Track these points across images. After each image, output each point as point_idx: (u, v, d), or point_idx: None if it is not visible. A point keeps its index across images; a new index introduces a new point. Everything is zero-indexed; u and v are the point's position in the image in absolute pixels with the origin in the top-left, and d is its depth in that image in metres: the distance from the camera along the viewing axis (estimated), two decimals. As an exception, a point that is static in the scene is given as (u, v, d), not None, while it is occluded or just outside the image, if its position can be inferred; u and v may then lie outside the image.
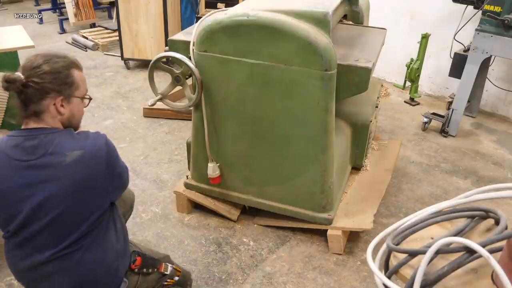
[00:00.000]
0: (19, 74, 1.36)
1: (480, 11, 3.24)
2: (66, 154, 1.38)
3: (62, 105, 1.43)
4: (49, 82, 1.38)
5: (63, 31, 6.17)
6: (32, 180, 1.37)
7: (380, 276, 1.05)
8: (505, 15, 3.06)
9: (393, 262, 1.09)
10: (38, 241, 1.43)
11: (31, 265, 1.47)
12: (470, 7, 3.53)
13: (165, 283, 1.78)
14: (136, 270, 1.65)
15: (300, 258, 2.28)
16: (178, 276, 1.82)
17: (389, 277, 1.05)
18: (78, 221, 1.43)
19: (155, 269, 1.73)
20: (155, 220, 2.56)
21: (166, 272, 1.77)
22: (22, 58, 2.54)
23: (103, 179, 1.45)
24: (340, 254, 2.30)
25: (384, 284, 1.03)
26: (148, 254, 1.74)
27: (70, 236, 1.42)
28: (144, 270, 1.69)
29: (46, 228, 1.41)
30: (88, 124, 3.56)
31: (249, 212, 2.55)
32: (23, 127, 1.44)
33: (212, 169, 2.33)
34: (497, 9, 3.08)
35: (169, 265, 1.80)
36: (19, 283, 1.61)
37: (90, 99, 1.58)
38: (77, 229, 1.42)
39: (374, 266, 1.09)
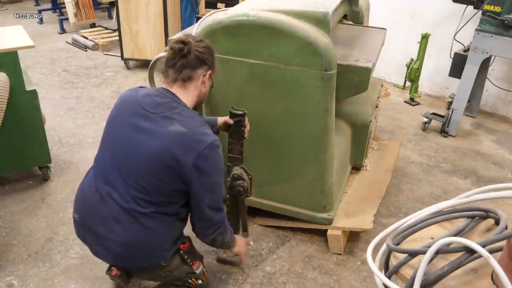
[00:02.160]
0: (190, 40, 1.58)
1: (480, 11, 3.24)
2: (175, 124, 1.53)
3: (208, 79, 1.67)
4: (208, 55, 1.64)
5: (63, 31, 6.17)
6: (138, 125, 1.55)
7: (380, 276, 1.05)
8: (505, 15, 3.06)
9: (393, 262, 1.09)
10: (116, 180, 1.57)
11: (99, 201, 1.60)
12: (470, 7, 3.53)
13: (190, 281, 1.81)
14: (181, 252, 1.73)
15: (300, 258, 2.27)
16: (202, 280, 1.84)
17: (389, 277, 1.05)
18: (152, 186, 1.54)
19: (190, 263, 1.78)
20: (155, 220, 2.55)
21: (196, 271, 1.80)
22: (22, 58, 2.54)
23: (188, 168, 1.52)
24: (340, 254, 2.30)
25: (384, 284, 1.03)
26: (193, 245, 1.83)
27: (141, 194, 1.54)
28: (185, 257, 1.75)
29: (130, 172, 1.55)
30: (88, 124, 3.56)
31: (249, 212, 2.54)
32: (164, 86, 1.64)
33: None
34: (497, 9, 3.08)
35: (201, 266, 1.84)
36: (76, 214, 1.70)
37: (213, 86, 1.82)
38: (149, 193, 1.55)
39: (374, 266, 1.09)
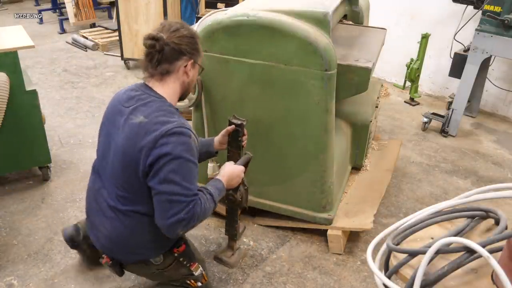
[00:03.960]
0: (162, 34, 1.51)
1: (480, 11, 3.24)
2: (138, 115, 1.51)
3: (190, 69, 1.60)
4: (186, 45, 1.55)
5: (63, 31, 6.17)
6: (116, 122, 1.57)
7: (380, 276, 1.05)
8: (505, 15, 3.06)
9: (393, 262, 1.09)
10: (104, 179, 1.63)
11: (93, 192, 1.69)
12: (470, 7, 3.53)
13: (188, 282, 1.81)
14: (176, 254, 1.73)
15: (300, 258, 2.27)
16: (202, 283, 1.85)
17: (389, 277, 1.05)
18: (127, 182, 1.54)
19: (188, 265, 1.78)
20: (155, 220, 2.55)
21: (195, 273, 1.80)
22: (22, 58, 2.54)
23: (147, 158, 1.47)
24: (340, 254, 2.30)
25: (384, 284, 1.04)
26: (192, 249, 1.81)
27: (121, 192, 1.56)
28: (181, 259, 1.75)
29: (110, 170, 1.59)
30: (88, 124, 3.56)
31: (249, 212, 2.54)
32: (143, 81, 1.62)
33: (212, 169, 2.34)
34: (497, 9, 3.08)
35: (201, 268, 1.83)
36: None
37: (203, 69, 1.73)
38: (127, 190, 1.55)
39: (374, 266, 1.09)
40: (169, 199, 1.47)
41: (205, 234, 2.43)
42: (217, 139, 1.95)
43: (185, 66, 1.59)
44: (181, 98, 1.70)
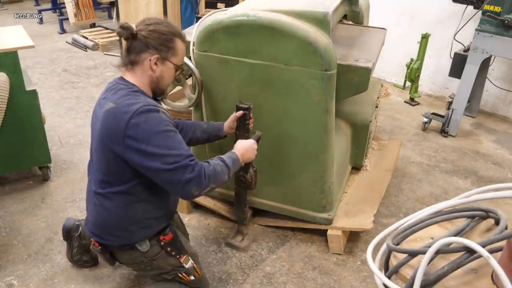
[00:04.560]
0: (133, 26, 1.62)
1: (480, 11, 3.24)
2: (108, 102, 1.59)
3: (156, 63, 1.63)
4: (153, 39, 1.61)
5: (63, 31, 6.17)
6: (96, 113, 1.68)
7: (380, 276, 1.05)
8: (505, 15, 3.06)
9: (393, 262, 1.09)
10: (91, 168, 1.75)
11: (88, 184, 1.79)
12: (470, 7, 3.53)
13: (180, 275, 1.82)
14: (162, 243, 1.75)
15: (300, 258, 2.27)
16: (195, 276, 1.85)
17: (389, 277, 1.05)
18: (105, 166, 1.64)
19: (177, 256, 1.79)
20: (155, 220, 2.55)
21: (184, 265, 1.81)
22: (22, 58, 2.54)
23: (120, 141, 1.54)
24: (340, 254, 2.30)
25: (384, 284, 1.04)
26: (181, 240, 1.83)
27: (101, 176, 1.66)
28: (169, 249, 1.77)
29: (94, 157, 1.70)
30: (88, 124, 3.54)
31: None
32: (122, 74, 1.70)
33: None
34: (497, 9, 3.08)
35: (191, 260, 1.84)
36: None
37: (182, 70, 1.83)
38: (105, 173, 1.65)
39: (374, 266, 1.09)
40: (166, 169, 1.53)
41: (205, 234, 2.43)
42: (226, 123, 2.06)
43: (150, 60, 1.62)
44: (156, 95, 1.73)
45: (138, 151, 1.52)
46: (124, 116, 1.52)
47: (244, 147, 1.86)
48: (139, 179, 1.63)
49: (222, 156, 1.75)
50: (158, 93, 1.74)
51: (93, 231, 1.75)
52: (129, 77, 1.66)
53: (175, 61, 1.69)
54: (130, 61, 1.64)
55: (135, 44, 1.61)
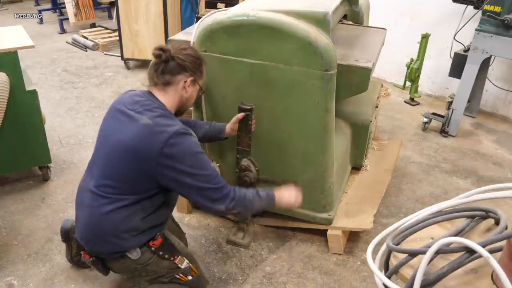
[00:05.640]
0: (169, 48, 1.71)
1: (480, 11, 3.24)
2: (144, 118, 1.62)
3: (189, 85, 1.75)
4: (189, 63, 1.73)
5: (63, 31, 6.17)
6: (118, 120, 1.68)
7: (380, 276, 1.05)
8: (505, 15, 3.06)
9: (393, 262, 1.09)
10: (93, 170, 1.74)
11: (81, 187, 1.78)
12: (470, 7, 3.53)
13: (177, 276, 1.82)
14: (153, 248, 1.75)
15: (300, 258, 2.28)
16: (192, 276, 1.85)
17: (389, 277, 1.05)
18: (118, 173, 1.65)
19: (171, 258, 1.78)
20: (155, 220, 2.55)
21: (180, 266, 1.81)
22: (22, 58, 2.54)
23: (153, 158, 1.58)
24: (340, 254, 2.30)
25: (384, 284, 1.03)
26: (172, 242, 1.82)
27: (106, 181, 1.66)
28: (160, 253, 1.77)
29: (102, 161, 1.70)
30: (88, 124, 3.56)
31: (249, 212, 2.55)
32: (147, 89, 1.77)
33: (212, 169, 2.34)
34: (497, 9, 3.08)
35: (186, 260, 1.83)
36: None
37: (204, 92, 1.95)
38: (111, 179, 1.65)
39: (374, 266, 1.09)
40: (199, 186, 1.64)
41: (205, 234, 2.43)
42: (229, 126, 2.11)
43: (185, 82, 1.73)
44: (177, 114, 1.80)
45: (173, 169, 1.60)
46: (162, 135, 1.58)
47: (284, 193, 1.93)
48: (152, 192, 1.67)
49: (259, 189, 1.88)
50: (180, 113, 1.83)
51: (84, 235, 1.73)
52: (160, 96, 1.73)
53: (201, 83, 1.83)
54: (165, 81, 1.72)
55: (172, 65, 1.70)
